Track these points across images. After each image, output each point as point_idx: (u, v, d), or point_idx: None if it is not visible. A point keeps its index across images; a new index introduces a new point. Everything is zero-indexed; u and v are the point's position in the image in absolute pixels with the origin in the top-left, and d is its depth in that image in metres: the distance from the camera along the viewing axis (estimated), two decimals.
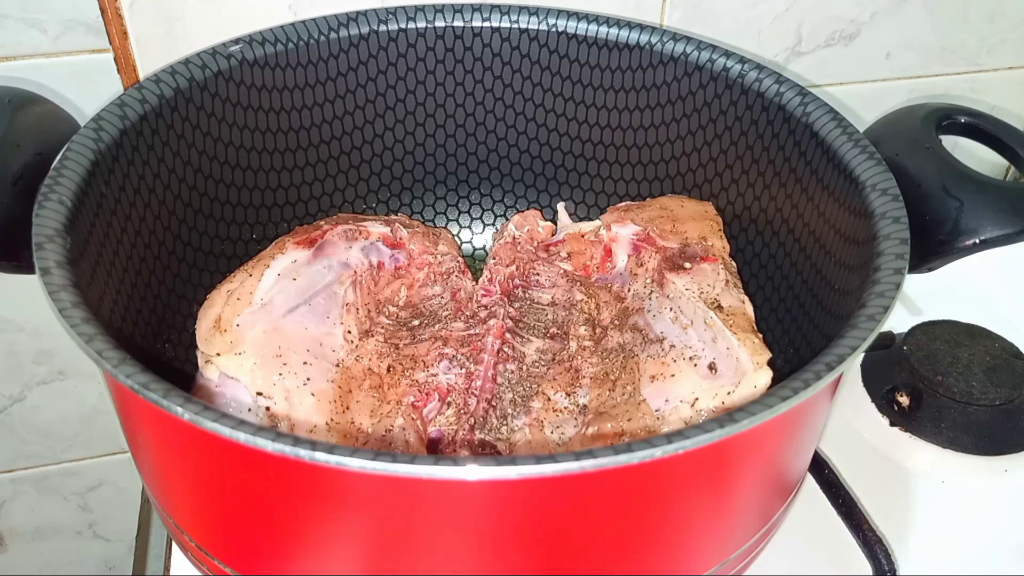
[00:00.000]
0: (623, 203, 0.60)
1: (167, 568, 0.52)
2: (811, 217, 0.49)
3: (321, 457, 0.30)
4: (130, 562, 0.74)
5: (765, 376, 0.45)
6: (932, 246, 0.43)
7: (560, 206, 0.63)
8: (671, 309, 0.51)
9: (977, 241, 0.43)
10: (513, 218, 0.62)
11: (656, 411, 0.47)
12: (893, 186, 0.43)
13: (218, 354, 0.46)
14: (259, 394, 0.46)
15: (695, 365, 0.48)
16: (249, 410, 0.46)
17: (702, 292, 0.51)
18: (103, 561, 0.86)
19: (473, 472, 0.30)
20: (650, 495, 0.33)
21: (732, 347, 0.47)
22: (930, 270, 0.44)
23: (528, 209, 0.63)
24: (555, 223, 0.63)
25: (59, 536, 0.83)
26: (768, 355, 0.46)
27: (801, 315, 0.50)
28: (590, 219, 0.63)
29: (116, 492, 0.80)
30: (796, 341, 0.50)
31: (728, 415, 0.31)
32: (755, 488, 0.38)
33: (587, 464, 0.30)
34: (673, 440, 0.30)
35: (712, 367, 0.47)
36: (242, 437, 0.31)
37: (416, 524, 0.33)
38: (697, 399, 0.46)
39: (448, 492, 0.32)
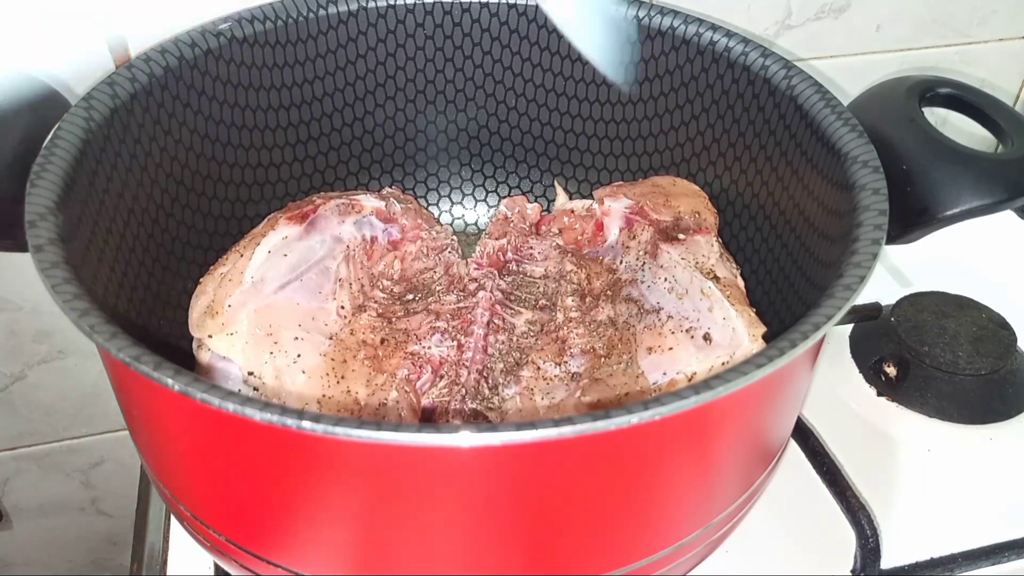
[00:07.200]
0: (614, 183, 0.61)
1: (166, 539, 0.53)
2: (796, 190, 0.50)
3: (307, 426, 0.31)
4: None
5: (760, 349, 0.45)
6: (913, 217, 0.44)
7: (557, 183, 0.64)
8: (665, 279, 0.52)
9: (957, 211, 0.43)
10: (503, 201, 0.62)
11: (654, 384, 0.48)
12: (874, 158, 0.43)
13: (210, 336, 0.47)
14: (250, 374, 0.46)
15: (692, 337, 0.48)
16: (239, 391, 0.46)
17: (697, 263, 0.51)
18: (107, 537, 0.87)
19: (455, 439, 0.31)
20: (630, 460, 0.34)
21: (729, 317, 0.47)
22: (911, 241, 0.45)
23: (519, 184, 0.64)
24: (548, 200, 0.64)
25: (62, 513, 0.84)
26: (763, 328, 0.47)
27: (787, 288, 0.51)
28: (581, 196, 0.64)
29: (118, 468, 0.81)
30: (782, 313, 0.51)
31: (704, 382, 0.32)
32: (735, 454, 0.39)
33: (566, 430, 0.30)
34: (650, 407, 0.31)
35: (707, 337, 0.48)
36: (231, 407, 0.31)
37: (401, 491, 0.34)
38: (695, 373, 0.47)
39: (431, 459, 0.32)
